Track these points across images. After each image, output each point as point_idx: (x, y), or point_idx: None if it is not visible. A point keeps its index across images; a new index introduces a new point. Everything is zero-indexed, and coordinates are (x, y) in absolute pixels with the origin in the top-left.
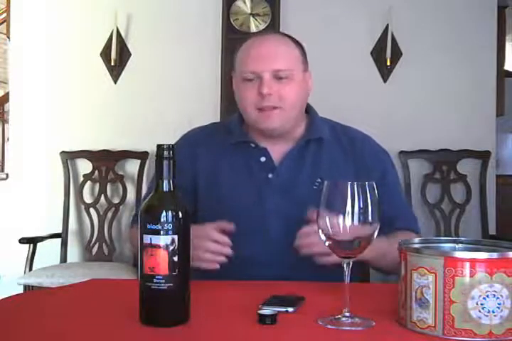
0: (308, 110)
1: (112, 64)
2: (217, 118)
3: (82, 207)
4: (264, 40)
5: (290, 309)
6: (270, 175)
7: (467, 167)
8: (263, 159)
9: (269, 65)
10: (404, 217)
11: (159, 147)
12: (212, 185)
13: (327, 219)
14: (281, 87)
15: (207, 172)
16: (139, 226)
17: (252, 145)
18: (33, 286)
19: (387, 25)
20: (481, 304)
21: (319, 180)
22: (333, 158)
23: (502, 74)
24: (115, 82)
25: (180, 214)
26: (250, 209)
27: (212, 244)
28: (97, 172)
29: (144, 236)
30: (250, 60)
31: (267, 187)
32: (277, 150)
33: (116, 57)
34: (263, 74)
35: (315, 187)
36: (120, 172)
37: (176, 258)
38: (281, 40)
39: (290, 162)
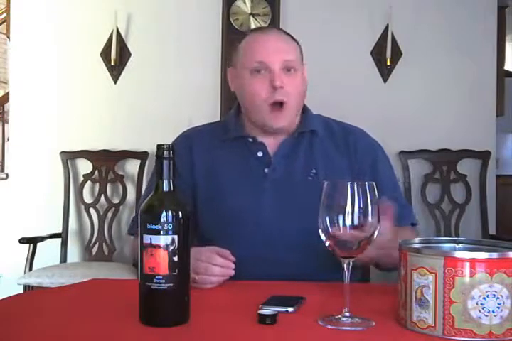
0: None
1: (112, 64)
2: (217, 118)
3: (82, 207)
4: (268, 33)
5: (290, 309)
6: (266, 170)
7: (467, 167)
8: (260, 154)
9: (280, 55)
10: (401, 207)
11: (159, 147)
12: (211, 182)
13: (327, 219)
14: (289, 80)
15: (204, 170)
16: (139, 226)
17: (250, 139)
18: (33, 286)
19: (387, 25)
20: (481, 304)
21: (314, 170)
22: (326, 150)
23: (502, 74)
24: (115, 82)
25: (180, 214)
26: (248, 205)
27: (217, 268)
28: (97, 172)
29: (144, 236)
30: (258, 51)
31: (263, 181)
32: (273, 144)
33: (116, 57)
34: (273, 66)
35: (310, 177)
36: (120, 172)
37: (175, 258)
38: (282, 35)
39: (284, 154)
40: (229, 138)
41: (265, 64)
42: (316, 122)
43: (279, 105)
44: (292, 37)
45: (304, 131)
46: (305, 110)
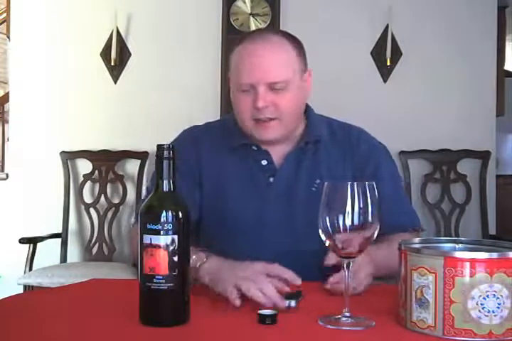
0: (306, 109)
1: (112, 64)
2: (217, 118)
3: (82, 207)
4: (258, 47)
5: (292, 302)
6: (271, 179)
7: (467, 167)
8: (264, 162)
9: (264, 77)
10: (403, 213)
11: (159, 147)
12: (216, 188)
13: (327, 219)
14: (277, 97)
15: (211, 175)
16: (138, 227)
17: (254, 147)
18: (33, 286)
19: (387, 25)
20: (481, 304)
21: (318, 181)
22: (330, 157)
23: (502, 74)
24: (115, 82)
25: (180, 214)
26: (252, 214)
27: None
28: (97, 172)
29: (144, 236)
30: (244, 71)
31: (268, 190)
32: (278, 153)
33: (116, 57)
34: (258, 86)
35: (314, 189)
36: (120, 172)
37: (175, 258)
38: (278, 45)
39: (290, 165)
40: (233, 146)
41: (251, 84)
42: (320, 128)
43: (268, 119)
44: (293, 39)
45: (308, 140)
46: (308, 115)
